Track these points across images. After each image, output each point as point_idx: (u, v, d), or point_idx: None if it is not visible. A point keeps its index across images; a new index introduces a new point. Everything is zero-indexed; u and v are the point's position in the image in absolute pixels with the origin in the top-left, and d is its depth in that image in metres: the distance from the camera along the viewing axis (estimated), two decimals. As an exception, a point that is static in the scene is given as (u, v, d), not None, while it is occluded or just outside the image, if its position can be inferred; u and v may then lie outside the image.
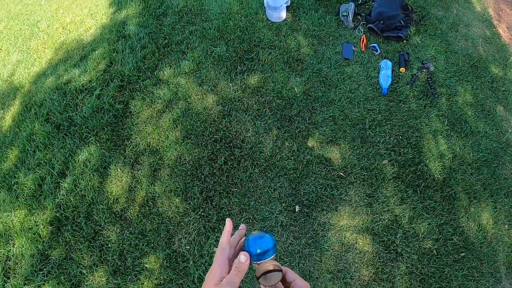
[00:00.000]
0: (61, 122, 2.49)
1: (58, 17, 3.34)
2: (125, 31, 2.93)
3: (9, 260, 2.02)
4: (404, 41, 2.87)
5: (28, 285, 1.93)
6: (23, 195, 2.23)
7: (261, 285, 0.62)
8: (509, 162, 2.39)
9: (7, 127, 2.63)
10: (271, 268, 0.58)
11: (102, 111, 2.48)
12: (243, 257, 0.58)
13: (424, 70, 2.67)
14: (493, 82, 2.78)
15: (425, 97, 2.57)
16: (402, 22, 2.83)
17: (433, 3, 3.24)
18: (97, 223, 2.08)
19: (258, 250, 0.59)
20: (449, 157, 2.33)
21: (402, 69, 2.66)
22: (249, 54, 2.68)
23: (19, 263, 2.01)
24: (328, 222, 2.06)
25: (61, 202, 2.16)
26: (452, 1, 3.33)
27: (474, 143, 2.42)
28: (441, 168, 2.28)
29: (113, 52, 2.79)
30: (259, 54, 2.68)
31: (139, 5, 3.12)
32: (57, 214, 2.12)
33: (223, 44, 2.73)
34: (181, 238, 2.01)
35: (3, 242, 2.08)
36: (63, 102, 2.59)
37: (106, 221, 2.08)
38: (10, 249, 2.04)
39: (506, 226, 2.16)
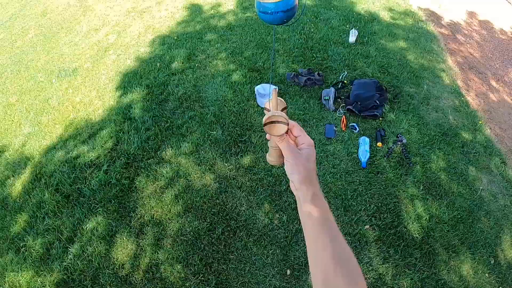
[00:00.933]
0: (70, 192, 2.73)
1: (68, 96, 3.72)
2: (131, 113, 3.33)
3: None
4: (380, 118, 3.23)
5: None
6: (31, 257, 2.39)
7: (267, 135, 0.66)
8: (483, 216, 2.68)
9: (17, 194, 2.83)
10: (276, 119, 0.62)
11: (110, 185, 2.74)
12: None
13: (399, 143, 3.02)
14: (463, 146, 3.12)
15: (401, 167, 2.90)
16: (377, 102, 3.21)
17: (405, 81, 3.68)
18: (103, 286, 2.24)
19: None
20: (426, 218, 2.61)
21: (379, 144, 2.99)
22: (242, 137, 3.09)
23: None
24: None
25: (68, 266, 2.32)
26: (423, 77, 3.77)
27: (449, 203, 2.71)
28: (419, 228, 2.55)
29: (120, 132, 3.14)
30: (251, 137, 3.08)
31: (143, 90, 3.57)
32: (64, 277, 2.27)
33: (219, 128, 3.14)
34: (181, 305, 2.18)
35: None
36: (72, 174, 2.85)
37: (111, 284, 2.24)
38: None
39: (486, 274, 2.39)
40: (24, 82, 4.10)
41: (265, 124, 0.63)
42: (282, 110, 0.67)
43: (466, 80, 3.99)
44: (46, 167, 2.99)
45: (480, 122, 3.41)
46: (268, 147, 0.73)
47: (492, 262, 2.46)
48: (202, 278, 2.28)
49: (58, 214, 2.63)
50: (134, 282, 2.27)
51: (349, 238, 2.49)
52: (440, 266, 2.39)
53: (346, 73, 3.72)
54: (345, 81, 3.60)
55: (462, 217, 2.65)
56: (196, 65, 3.90)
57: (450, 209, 2.67)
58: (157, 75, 3.77)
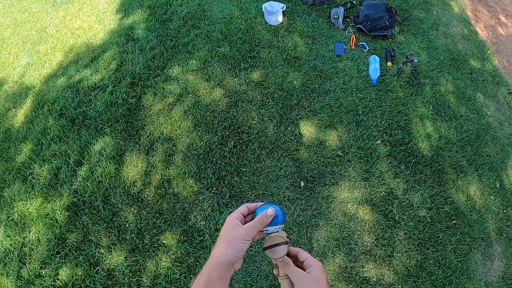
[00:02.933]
0: (75, 116, 2.63)
1: (66, 23, 3.52)
2: (134, 34, 3.14)
3: (25, 247, 2.09)
4: (390, 39, 3.17)
5: (45, 268, 2.01)
6: (38, 184, 2.33)
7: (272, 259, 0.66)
8: (490, 141, 2.65)
9: (20, 124, 2.74)
10: (276, 241, 0.63)
11: (116, 105, 2.64)
12: (271, 210, 0.62)
13: (409, 63, 2.95)
14: (472, 73, 3.07)
15: (410, 87, 2.84)
16: (387, 23, 3.13)
17: (415, 5, 3.56)
18: (115, 206, 2.20)
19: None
20: (436, 137, 2.58)
21: (389, 63, 2.94)
22: (251, 53, 2.92)
23: (35, 249, 2.08)
24: (331, 195, 2.25)
25: (78, 188, 2.27)
26: (433, 4, 3.66)
27: (458, 125, 2.68)
28: (429, 147, 2.52)
29: (123, 53, 2.98)
30: (260, 53, 2.92)
31: (145, 11, 3.35)
32: (74, 200, 2.23)
33: (227, 45, 2.96)
34: (196, 215, 2.15)
35: (19, 230, 2.16)
36: (76, 98, 2.73)
37: (123, 203, 2.21)
38: (26, 236, 2.12)
39: (492, 197, 2.40)
40: (18, 14, 3.88)
41: (264, 249, 0.63)
42: (276, 245, 0.64)
43: (475, 11, 3.89)
44: (48, 94, 2.88)
45: (488, 52, 3.34)
46: None
47: (498, 185, 2.46)
48: (216, 191, 2.23)
49: (64, 138, 2.54)
50: (146, 199, 2.23)
51: (361, 152, 2.44)
52: (449, 185, 2.38)
53: None
54: (354, 1, 3.46)
55: (470, 139, 2.63)
56: (200, -16, 3.63)
57: (459, 131, 2.66)
58: (159, -5, 3.52)
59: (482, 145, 2.62)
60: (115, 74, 2.84)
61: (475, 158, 2.54)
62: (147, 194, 2.24)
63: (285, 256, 0.63)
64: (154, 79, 2.76)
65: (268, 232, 0.65)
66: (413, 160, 2.44)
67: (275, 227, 0.64)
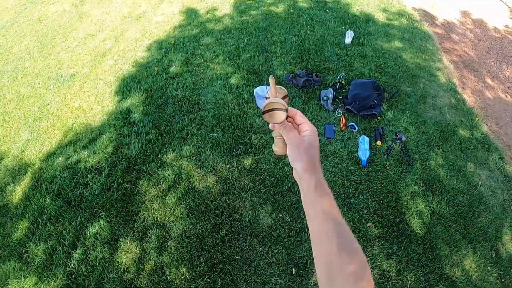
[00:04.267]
0: (72, 198, 2.72)
1: (67, 101, 3.71)
2: (131, 118, 3.33)
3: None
4: (378, 117, 3.25)
5: None
6: (33, 263, 2.38)
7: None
8: (483, 211, 2.70)
9: (17, 200, 2.81)
10: (275, 106, 0.61)
11: (111, 190, 2.74)
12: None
13: (398, 141, 3.04)
14: (461, 143, 3.15)
15: (400, 165, 2.92)
16: (375, 101, 3.25)
17: (402, 80, 3.72)
18: None
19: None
20: (427, 214, 2.63)
21: (378, 142, 3.02)
22: (243, 138, 3.10)
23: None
24: None
25: (72, 271, 2.31)
26: (419, 76, 3.81)
27: (449, 198, 2.71)
28: (421, 224, 2.58)
29: (120, 137, 3.14)
30: (251, 139, 3.10)
31: (142, 95, 3.58)
32: (68, 282, 2.26)
33: (219, 130, 3.15)
34: (187, 308, 2.18)
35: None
36: (73, 179, 2.84)
37: None
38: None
39: (488, 267, 2.41)
40: (22, 88, 4.07)
41: (263, 112, 0.62)
42: (283, 98, 0.66)
43: (461, 78, 4.03)
44: (47, 173, 2.98)
45: (477, 119, 3.44)
46: (274, 140, 0.72)
47: (494, 255, 2.48)
48: (208, 280, 2.28)
49: (60, 219, 2.61)
50: (140, 285, 2.26)
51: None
52: (443, 261, 2.41)
53: (343, 73, 3.75)
54: (343, 81, 3.63)
55: (463, 212, 2.67)
56: (194, 68, 3.92)
57: (451, 205, 2.69)
58: (156, 79, 3.78)
59: (475, 216, 2.67)
60: (112, 158, 2.97)
61: (469, 230, 2.58)
62: (140, 281, 2.28)
63: (284, 120, 0.63)
64: (149, 165, 2.90)
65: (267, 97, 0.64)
66: (405, 239, 2.49)
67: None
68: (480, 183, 2.88)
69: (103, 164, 2.94)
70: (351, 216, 2.61)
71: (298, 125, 0.66)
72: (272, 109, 0.62)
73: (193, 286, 2.25)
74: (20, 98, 3.92)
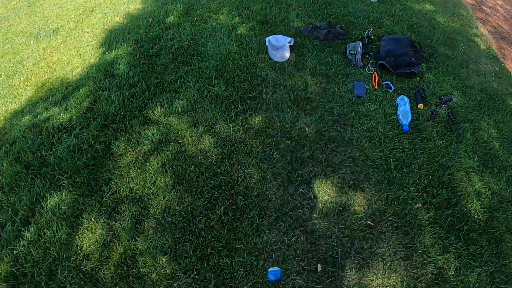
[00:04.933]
0: (32, 161, 2.12)
1: (45, 56, 3.15)
2: (114, 70, 2.71)
3: None
4: (418, 77, 2.74)
5: None
6: None
7: None
8: None
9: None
10: None
11: (80, 152, 2.12)
12: None
13: (444, 105, 2.49)
14: None
15: (449, 133, 2.35)
16: (413, 59, 2.70)
17: (440, 42, 3.22)
18: (61, 284, 1.62)
19: None
20: (487, 195, 2.03)
21: (420, 106, 2.47)
22: (251, 93, 2.44)
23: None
24: (360, 282, 1.64)
25: (20, 255, 1.73)
26: (457, 40, 3.34)
27: (509, 178, 2.16)
28: (481, 208, 1.97)
29: (99, 90, 2.52)
30: (262, 93, 2.44)
31: (131, 46, 2.96)
32: (14, 269, 1.68)
33: (222, 83, 2.50)
34: (164, 312, 1.53)
35: None
36: (37, 140, 2.25)
37: (72, 282, 1.62)
38: None
39: None
40: (0, 46, 3.54)
41: None
42: None
43: (500, 49, 3.63)
44: (10, 133, 2.41)
45: None
46: None
47: None
48: (197, 277, 1.63)
49: (15, 188, 2.01)
50: (102, 279, 1.63)
51: (398, 220, 1.87)
52: (510, 257, 1.81)
53: (372, 29, 3.23)
54: (372, 37, 3.10)
55: None
56: (195, 19, 3.29)
57: (511, 185, 2.14)
58: (148, 29, 3.16)
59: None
60: (86, 114, 2.36)
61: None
62: (104, 273, 1.65)
63: None
64: (130, 122, 2.26)
65: None
66: (465, 227, 1.87)
67: None
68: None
69: (75, 122, 2.32)
70: (395, 194, 1.98)
71: None
72: None
73: (175, 284, 1.60)
74: (-3, 55, 3.39)
